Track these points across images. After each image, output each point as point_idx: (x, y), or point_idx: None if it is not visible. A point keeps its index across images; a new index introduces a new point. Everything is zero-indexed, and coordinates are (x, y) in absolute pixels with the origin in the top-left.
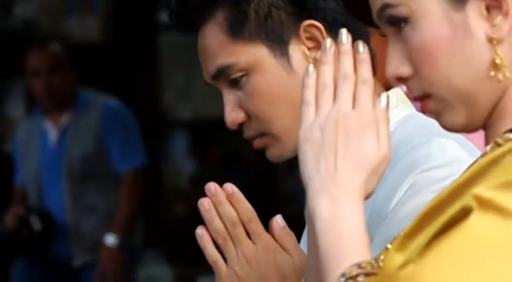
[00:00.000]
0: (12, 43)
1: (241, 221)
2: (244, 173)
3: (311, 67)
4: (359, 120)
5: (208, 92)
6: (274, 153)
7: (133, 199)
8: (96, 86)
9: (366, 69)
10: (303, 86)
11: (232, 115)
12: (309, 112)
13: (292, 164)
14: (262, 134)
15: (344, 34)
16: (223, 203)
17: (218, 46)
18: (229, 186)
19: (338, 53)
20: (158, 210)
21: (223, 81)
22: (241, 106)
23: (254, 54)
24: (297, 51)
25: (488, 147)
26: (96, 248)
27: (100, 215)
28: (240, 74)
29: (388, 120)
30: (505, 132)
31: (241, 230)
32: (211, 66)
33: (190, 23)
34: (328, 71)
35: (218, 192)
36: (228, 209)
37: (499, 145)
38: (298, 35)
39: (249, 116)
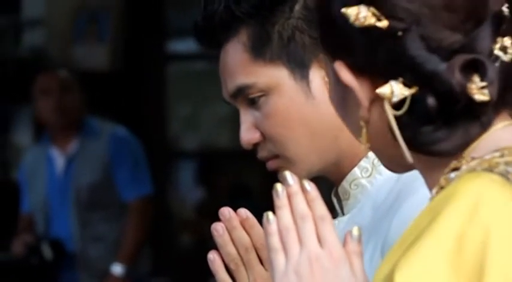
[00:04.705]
0: (21, 71)
1: (254, 246)
2: (251, 203)
3: (271, 214)
4: (331, 257)
5: (215, 122)
6: None
7: (140, 228)
8: (103, 114)
9: (319, 207)
10: (266, 233)
11: (248, 135)
12: (279, 258)
13: None
14: (276, 156)
15: (288, 176)
16: (237, 228)
17: (239, 65)
18: (243, 211)
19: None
20: (165, 239)
21: (242, 100)
22: (257, 126)
23: (274, 75)
24: (316, 76)
25: (434, 191)
26: (104, 277)
27: (107, 244)
28: (258, 94)
29: (360, 254)
30: (448, 172)
31: (254, 255)
32: (230, 85)
33: (214, 39)
34: (286, 214)
35: (232, 217)
36: (241, 235)
37: (442, 188)
38: (319, 60)
39: (264, 137)
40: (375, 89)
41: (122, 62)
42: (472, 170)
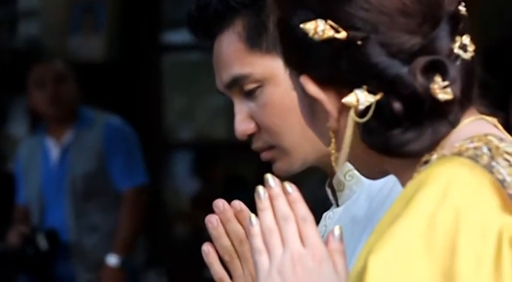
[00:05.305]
0: (16, 61)
1: (248, 238)
2: (246, 195)
3: (253, 217)
4: (314, 257)
5: (211, 113)
6: (282, 167)
7: (134, 218)
8: (98, 104)
9: (301, 207)
10: (250, 235)
11: (243, 125)
12: (263, 259)
13: (295, 183)
14: (271, 147)
15: (270, 179)
16: (231, 220)
17: (234, 55)
18: (237, 204)
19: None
20: (159, 230)
21: (236, 91)
22: (252, 117)
23: (270, 66)
24: None
25: (408, 185)
26: (99, 267)
27: (102, 234)
28: (254, 85)
29: (343, 252)
30: (420, 166)
31: (248, 247)
32: (225, 75)
33: (209, 30)
34: (268, 216)
35: (226, 209)
36: (235, 227)
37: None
38: None
39: (259, 127)
40: (342, 99)
41: (118, 52)
42: (443, 156)
